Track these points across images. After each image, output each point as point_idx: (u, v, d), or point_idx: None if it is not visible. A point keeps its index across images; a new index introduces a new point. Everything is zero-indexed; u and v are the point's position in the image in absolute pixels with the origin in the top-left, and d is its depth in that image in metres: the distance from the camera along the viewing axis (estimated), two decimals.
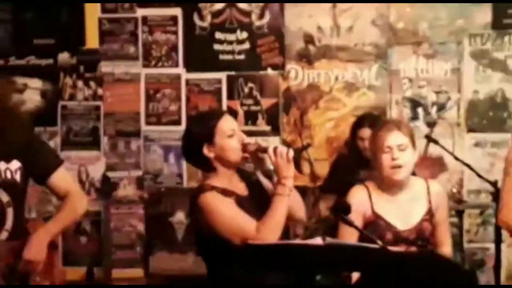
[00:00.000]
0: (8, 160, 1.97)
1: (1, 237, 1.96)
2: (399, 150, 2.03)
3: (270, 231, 1.86)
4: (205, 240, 1.94)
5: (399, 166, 2.02)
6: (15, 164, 1.98)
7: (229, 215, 1.87)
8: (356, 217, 2.03)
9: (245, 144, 1.89)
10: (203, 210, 1.89)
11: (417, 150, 2.22)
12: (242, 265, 1.86)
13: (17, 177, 1.99)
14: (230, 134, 1.88)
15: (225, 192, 1.90)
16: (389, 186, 2.12)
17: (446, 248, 2.24)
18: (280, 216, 1.87)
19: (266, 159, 1.94)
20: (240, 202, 1.93)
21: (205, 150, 1.87)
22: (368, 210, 2.13)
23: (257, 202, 1.97)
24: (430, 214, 2.17)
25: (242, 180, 2.03)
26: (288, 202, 1.89)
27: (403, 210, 2.16)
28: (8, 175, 1.98)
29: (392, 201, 2.15)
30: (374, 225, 2.13)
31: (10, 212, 1.99)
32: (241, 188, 1.99)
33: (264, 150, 1.88)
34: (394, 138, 2.04)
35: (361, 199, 2.13)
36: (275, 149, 1.85)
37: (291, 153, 1.86)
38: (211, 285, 2.10)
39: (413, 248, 2.16)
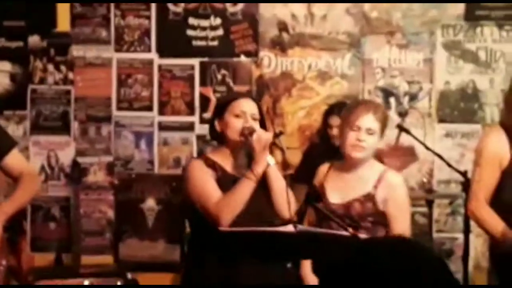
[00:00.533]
0: None
1: None
2: (367, 133, 2.09)
3: (227, 207, 1.97)
4: (188, 208, 2.11)
5: (361, 147, 2.09)
6: None
7: (200, 182, 2.02)
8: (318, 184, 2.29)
9: (243, 127, 1.97)
10: (184, 174, 2.10)
11: (383, 138, 2.26)
12: (217, 251, 2.00)
13: None
14: (237, 114, 2.01)
15: (211, 165, 2.04)
16: (346, 163, 2.21)
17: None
18: (240, 197, 1.97)
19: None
20: (224, 178, 2.04)
21: (216, 123, 2.06)
22: (320, 181, 2.28)
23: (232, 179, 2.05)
24: (367, 198, 2.22)
25: (246, 166, 2.10)
26: (253, 186, 1.97)
27: (344, 186, 2.26)
28: None
29: (341, 177, 2.27)
30: (321, 194, 2.24)
31: None
32: (237, 169, 2.09)
33: (252, 132, 1.96)
34: (366, 120, 2.10)
35: (320, 174, 2.29)
36: (257, 133, 1.95)
37: (268, 139, 1.97)
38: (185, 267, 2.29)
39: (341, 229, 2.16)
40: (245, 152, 2.15)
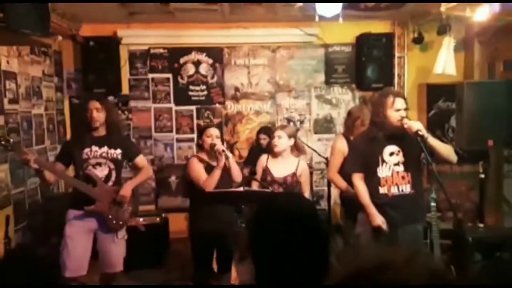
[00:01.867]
0: (115, 148, 3.13)
1: (109, 184, 3.11)
2: (279, 138, 3.37)
3: (209, 182, 3.08)
4: (187, 182, 3.26)
5: (276, 144, 3.35)
6: (118, 151, 3.14)
7: (197, 170, 3.16)
8: (259, 169, 3.41)
9: (212, 144, 3.16)
10: (187, 165, 3.24)
11: (291, 140, 3.40)
12: (204, 201, 3.11)
13: (119, 157, 3.14)
14: (208, 135, 3.21)
15: (201, 160, 3.20)
16: (275, 155, 3.41)
17: (306, 193, 3.47)
18: (215, 178, 3.08)
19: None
20: (207, 167, 3.17)
21: (199, 141, 3.30)
22: (264, 165, 3.40)
23: (210, 170, 3.15)
24: (293, 175, 3.36)
25: (213, 159, 3.20)
26: (220, 172, 3.05)
27: (280, 168, 3.40)
28: (115, 155, 3.12)
29: (278, 162, 3.40)
30: (266, 172, 3.37)
31: (114, 173, 3.14)
32: (212, 162, 3.18)
33: (213, 146, 3.16)
34: (280, 133, 3.37)
35: (262, 161, 3.45)
36: (217, 147, 3.11)
37: (221, 148, 3.11)
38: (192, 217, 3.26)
39: (281, 189, 3.30)
40: (214, 154, 3.16)
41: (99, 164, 3.10)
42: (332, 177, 3.59)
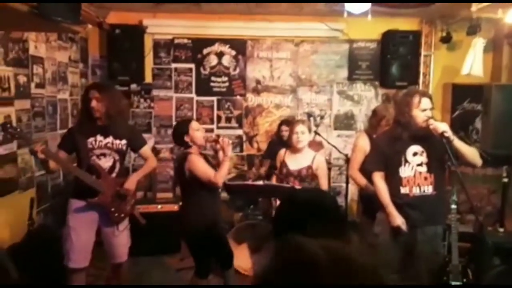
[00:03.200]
0: (121, 139, 3.04)
1: (113, 175, 3.01)
2: (302, 134, 3.40)
3: (220, 177, 2.95)
4: (187, 179, 3.00)
5: (300, 140, 3.38)
6: (124, 141, 3.05)
7: (204, 166, 2.99)
8: (278, 163, 3.49)
9: (205, 137, 3.07)
10: (190, 162, 2.96)
11: (311, 135, 3.57)
12: (213, 198, 3.03)
13: (124, 147, 3.05)
14: (196, 129, 3.06)
15: (200, 155, 3.07)
16: (294, 149, 3.46)
17: (324, 187, 3.49)
18: (225, 170, 2.97)
19: (216, 145, 3.09)
20: (206, 162, 3.05)
21: (185, 137, 3.03)
22: (282, 159, 3.49)
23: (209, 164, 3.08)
24: (308, 168, 3.41)
25: (203, 156, 3.14)
26: (228, 165, 3.01)
27: (296, 161, 3.45)
28: (120, 146, 3.04)
29: (293, 157, 3.46)
30: (282, 165, 3.46)
31: (118, 164, 3.04)
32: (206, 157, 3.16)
33: (217, 140, 3.06)
34: (301, 128, 3.40)
35: (281, 155, 3.53)
36: (222, 140, 3.01)
37: (229, 141, 3.02)
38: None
39: (296, 182, 3.34)
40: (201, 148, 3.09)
41: (104, 154, 3.01)
42: (353, 174, 3.56)
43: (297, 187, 3.10)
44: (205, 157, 3.21)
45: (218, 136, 3.12)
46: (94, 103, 2.94)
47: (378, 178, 3.03)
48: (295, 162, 3.48)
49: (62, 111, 4.33)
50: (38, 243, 3.20)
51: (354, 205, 4.71)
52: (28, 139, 3.00)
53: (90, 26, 4.52)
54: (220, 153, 3.10)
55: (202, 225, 3.05)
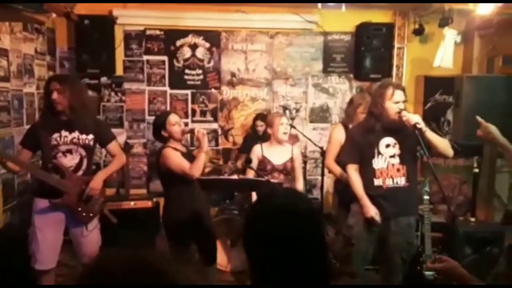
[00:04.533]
0: (87, 133, 2.91)
1: (79, 173, 2.90)
2: (286, 125, 3.50)
3: (196, 169, 2.88)
4: (163, 173, 3.02)
5: (286, 132, 3.49)
6: (91, 136, 2.92)
7: (177, 159, 2.92)
8: (255, 159, 3.38)
9: (182, 129, 3.01)
10: (164, 157, 2.94)
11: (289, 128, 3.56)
12: (189, 190, 2.93)
13: (91, 143, 2.93)
14: (173, 124, 2.97)
15: (175, 149, 2.98)
16: (272, 143, 3.52)
17: (299, 181, 3.60)
18: (201, 163, 2.90)
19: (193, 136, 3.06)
20: (182, 155, 2.99)
21: (162, 132, 2.99)
22: (260, 155, 3.50)
23: (187, 156, 3.01)
24: (291, 160, 3.53)
25: (183, 146, 3.11)
26: (204, 157, 2.91)
27: (278, 155, 3.52)
28: (87, 142, 2.91)
29: (273, 151, 3.51)
30: (265, 162, 3.46)
31: (85, 161, 2.91)
32: (182, 149, 3.05)
33: (192, 131, 3.02)
34: (284, 119, 3.52)
35: (257, 151, 3.53)
36: (197, 131, 2.94)
37: (204, 133, 2.95)
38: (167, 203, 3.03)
39: (282, 176, 3.42)
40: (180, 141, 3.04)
41: (70, 151, 2.87)
42: (328, 165, 3.60)
43: (274, 181, 3.07)
44: (187, 150, 3.16)
45: (192, 129, 3.06)
46: (55, 95, 2.79)
47: (352, 170, 3.05)
48: (277, 157, 3.49)
49: (28, 106, 4.18)
50: (4, 242, 3.10)
51: (330, 197, 4.77)
52: None
53: (54, 15, 4.33)
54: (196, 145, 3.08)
55: (182, 218, 3.00)
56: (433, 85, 5.01)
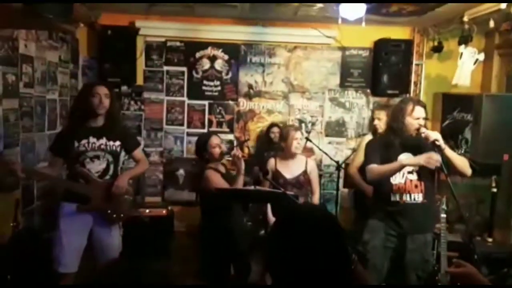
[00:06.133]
0: (114, 140, 3.01)
1: (106, 178, 2.99)
2: (301, 140, 3.55)
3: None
4: (206, 195, 3.20)
5: (300, 146, 3.52)
6: (117, 143, 3.02)
7: (216, 181, 3.17)
8: (270, 171, 3.49)
9: (221, 151, 3.28)
10: (206, 179, 3.20)
11: (304, 142, 3.68)
12: (221, 201, 3.13)
13: (118, 149, 3.03)
14: (214, 146, 3.25)
15: (216, 171, 3.25)
16: (288, 156, 3.53)
17: (315, 194, 3.62)
18: (240, 185, 3.18)
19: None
20: (222, 176, 3.25)
21: (203, 153, 3.29)
22: (274, 168, 3.53)
23: (226, 176, 3.27)
24: (304, 173, 3.53)
25: (223, 166, 3.36)
26: (242, 179, 3.19)
27: (291, 169, 3.54)
28: (114, 148, 3.01)
29: (286, 164, 3.54)
30: (277, 175, 3.50)
31: (112, 167, 3.01)
32: (222, 169, 3.31)
33: (228, 154, 3.36)
34: (299, 134, 3.54)
35: (271, 163, 3.58)
36: (234, 154, 3.21)
37: (239, 155, 3.18)
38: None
39: (294, 190, 3.40)
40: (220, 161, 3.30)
41: (97, 157, 2.94)
42: (351, 171, 3.80)
43: (289, 193, 3.07)
44: (226, 170, 3.34)
45: (231, 150, 3.37)
46: (104, 99, 2.91)
47: (374, 165, 2.96)
48: (289, 170, 3.50)
49: (50, 112, 4.27)
50: (23, 245, 3.14)
51: (344, 212, 4.72)
52: (4, 163, 2.91)
53: (82, 25, 4.46)
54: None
55: (219, 237, 3.14)
56: (451, 102, 4.98)
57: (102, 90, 2.93)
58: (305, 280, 1.11)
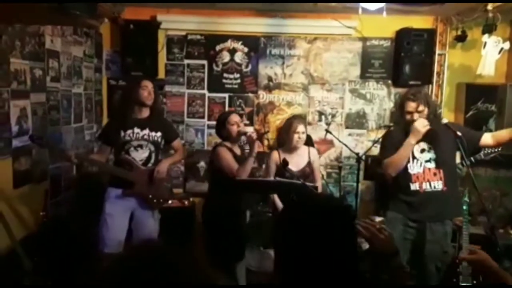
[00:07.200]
0: (156, 131, 3.29)
1: (149, 165, 3.29)
2: (303, 134, 3.58)
3: (243, 172, 3.11)
4: (214, 170, 3.31)
5: (302, 140, 3.56)
6: (159, 133, 3.31)
7: (226, 159, 3.20)
8: (273, 165, 3.55)
9: (239, 130, 3.28)
10: (216, 154, 3.25)
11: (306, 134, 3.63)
12: (234, 190, 3.15)
13: (159, 139, 3.32)
14: (232, 124, 3.29)
15: (228, 149, 3.27)
16: (291, 149, 3.60)
17: (318, 182, 3.64)
18: (248, 166, 3.14)
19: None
20: (234, 156, 3.26)
21: (222, 130, 3.36)
22: (278, 162, 3.36)
23: (239, 160, 3.25)
24: (308, 164, 3.58)
25: (239, 148, 3.39)
26: (253, 160, 3.14)
27: (295, 162, 3.54)
28: (155, 138, 3.29)
29: (291, 157, 3.49)
30: (282, 169, 3.20)
31: (153, 156, 3.28)
32: (237, 151, 3.34)
33: (245, 133, 3.27)
34: (301, 127, 3.57)
35: (275, 157, 3.55)
36: (249, 135, 3.19)
37: (254, 137, 3.16)
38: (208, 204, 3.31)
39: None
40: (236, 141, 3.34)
41: (141, 146, 3.22)
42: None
43: (309, 184, 3.06)
44: (242, 153, 3.34)
45: (244, 132, 3.21)
46: (151, 91, 3.24)
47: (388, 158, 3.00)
48: (294, 163, 3.48)
49: (76, 105, 4.40)
50: (53, 234, 3.28)
51: (364, 204, 4.85)
52: (58, 151, 3.31)
53: (106, 20, 4.56)
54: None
55: (220, 213, 3.20)
56: (475, 93, 4.88)
57: (148, 84, 3.25)
58: (308, 261, 1.14)
